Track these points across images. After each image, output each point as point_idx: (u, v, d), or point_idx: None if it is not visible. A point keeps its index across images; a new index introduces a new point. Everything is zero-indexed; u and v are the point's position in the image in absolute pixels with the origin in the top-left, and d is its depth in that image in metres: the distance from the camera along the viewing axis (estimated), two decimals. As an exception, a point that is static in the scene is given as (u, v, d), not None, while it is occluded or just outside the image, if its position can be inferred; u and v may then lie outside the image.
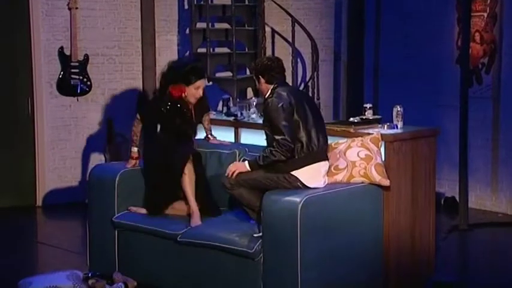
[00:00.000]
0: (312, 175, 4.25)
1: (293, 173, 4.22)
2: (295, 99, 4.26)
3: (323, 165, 4.30)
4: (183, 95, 4.64)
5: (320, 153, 4.29)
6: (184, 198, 4.59)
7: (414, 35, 6.86)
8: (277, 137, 4.19)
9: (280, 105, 4.20)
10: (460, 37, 6.37)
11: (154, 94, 4.83)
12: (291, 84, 7.19)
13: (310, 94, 6.96)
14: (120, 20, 7.12)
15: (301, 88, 7.37)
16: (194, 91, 4.65)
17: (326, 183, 4.32)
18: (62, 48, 6.88)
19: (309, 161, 4.24)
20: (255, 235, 4.18)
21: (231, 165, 4.39)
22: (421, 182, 4.65)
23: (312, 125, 4.26)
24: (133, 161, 4.77)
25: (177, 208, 4.66)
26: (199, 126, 4.92)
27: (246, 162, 4.35)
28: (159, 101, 4.71)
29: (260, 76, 4.35)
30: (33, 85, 6.83)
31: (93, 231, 4.86)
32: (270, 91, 4.32)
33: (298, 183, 4.24)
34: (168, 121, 4.68)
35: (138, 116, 4.78)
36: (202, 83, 4.68)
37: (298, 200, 4.05)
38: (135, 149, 4.76)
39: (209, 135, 4.99)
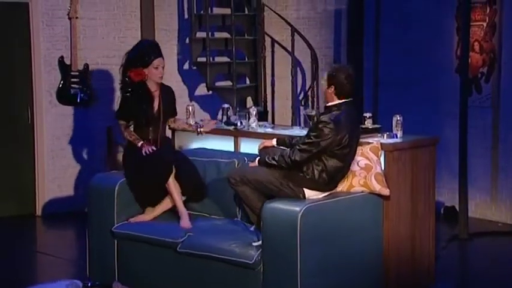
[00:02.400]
0: (316, 195, 4.27)
1: (303, 188, 4.24)
2: (349, 137, 4.19)
3: (327, 192, 4.31)
4: (145, 78, 4.71)
5: (335, 185, 4.31)
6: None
7: (414, 44, 6.87)
8: (299, 146, 4.17)
9: (328, 136, 4.13)
10: (459, 46, 6.39)
11: (120, 90, 4.86)
12: (290, 93, 7.29)
13: (310, 103, 6.98)
14: (120, 30, 7.14)
15: (300, 98, 7.40)
16: (154, 71, 4.72)
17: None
18: (62, 57, 6.89)
19: (322, 189, 4.27)
20: (254, 244, 4.18)
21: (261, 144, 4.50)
22: (421, 191, 4.65)
23: (346, 163, 4.26)
24: (148, 146, 4.67)
25: (165, 204, 4.69)
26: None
27: (274, 141, 4.47)
28: (122, 91, 4.77)
29: (332, 85, 4.25)
30: (33, 94, 6.84)
31: (92, 240, 4.85)
32: (335, 104, 4.23)
33: (301, 195, 4.24)
34: (129, 105, 4.72)
35: (119, 121, 4.82)
36: (159, 62, 4.73)
37: (298, 209, 4.05)
38: (140, 142, 4.69)
39: (197, 129, 4.95)
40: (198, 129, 4.97)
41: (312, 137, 4.17)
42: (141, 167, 4.68)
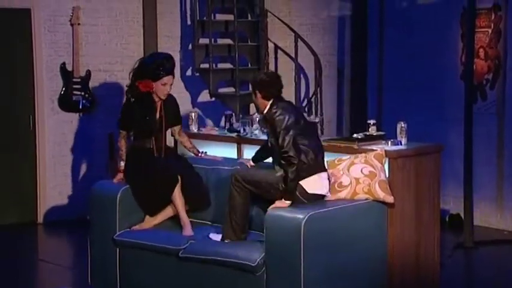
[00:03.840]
0: (315, 183, 4.29)
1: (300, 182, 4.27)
2: (295, 115, 4.33)
3: (324, 176, 4.33)
4: (151, 90, 4.74)
5: (321, 165, 4.35)
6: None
7: (418, 51, 6.88)
8: (283, 155, 4.22)
9: (286, 117, 4.26)
10: (464, 53, 6.40)
11: (126, 94, 4.91)
12: (294, 100, 7.30)
13: (313, 110, 6.99)
14: (122, 36, 7.17)
15: (304, 104, 7.41)
16: (162, 87, 4.74)
17: (329, 192, 4.35)
18: (64, 64, 6.91)
19: (314, 171, 4.29)
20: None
21: (277, 205, 4.24)
22: (426, 199, 4.65)
23: (314, 138, 4.36)
24: (120, 174, 4.81)
25: (166, 213, 4.72)
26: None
27: (287, 202, 4.21)
28: (127, 96, 4.82)
29: (257, 91, 4.40)
30: (34, 101, 6.86)
31: (94, 248, 4.85)
32: (268, 106, 4.36)
33: (301, 197, 4.25)
34: (132, 114, 4.76)
35: (120, 130, 4.88)
36: (169, 79, 4.76)
37: (301, 216, 4.05)
38: (121, 163, 4.82)
39: (199, 153, 5.01)
40: (200, 154, 4.99)
41: (281, 133, 4.22)
42: (146, 176, 4.70)
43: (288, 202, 4.22)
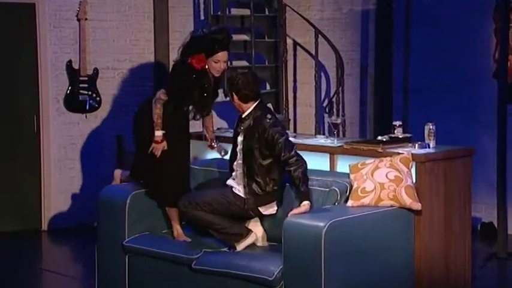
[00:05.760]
0: (272, 209, 4.40)
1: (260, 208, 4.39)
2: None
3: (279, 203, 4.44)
4: (206, 67, 4.63)
5: (281, 194, 4.45)
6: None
7: (447, 47, 6.86)
8: (290, 160, 4.24)
9: (282, 128, 4.34)
10: (497, 49, 6.36)
11: (173, 66, 4.80)
12: (313, 100, 7.30)
13: (335, 110, 6.99)
14: (131, 32, 7.20)
15: (325, 104, 7.41)
16: (214, 64, 4.63)
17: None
18: (70, 61, 6.95)
19: (272, 199, 4.42)
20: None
21: (298, 211, 4.22)
22: (456, 206, 4.63)
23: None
24: (159, 146, 4.61)
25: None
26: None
27: (306, 202, 4.21)
28: (181, 72, 4.65)
29: (233, 93, 4.39)
30: (39, 101, 6.91)
31: (102, 256, 4.88)
32: (251, 110, 4.37)
33: (251, 212, 4.36)
34: (193, 94, 4.65)
35: (161, 95, 4.62)
36: (223, 55, 4.63)
37: (322, 224, 4.05)
38: (159, 133, 4.60)
39: (213, 143, 4.98)
40: (213, 144, 4.97)
41: (284, 142, 4.26)
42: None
43: (307, 203, 4.21)
